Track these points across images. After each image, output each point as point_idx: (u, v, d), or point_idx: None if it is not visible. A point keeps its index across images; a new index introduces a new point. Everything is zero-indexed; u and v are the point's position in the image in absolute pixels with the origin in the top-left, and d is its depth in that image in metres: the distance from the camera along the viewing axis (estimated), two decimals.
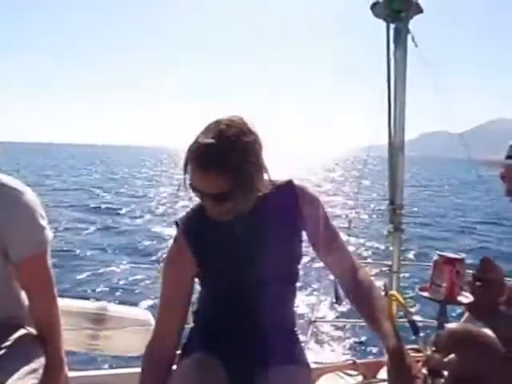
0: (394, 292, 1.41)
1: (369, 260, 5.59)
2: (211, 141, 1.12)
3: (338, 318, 4.80)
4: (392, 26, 2.39)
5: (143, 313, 2.45)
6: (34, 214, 1.42)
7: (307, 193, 1.36)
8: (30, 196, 1.42)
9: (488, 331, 1.50)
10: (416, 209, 18.15)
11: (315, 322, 2.49)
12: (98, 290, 6.71)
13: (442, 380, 1.18)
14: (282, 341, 1.41)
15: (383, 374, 1.84)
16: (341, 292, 1.76)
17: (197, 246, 1.33)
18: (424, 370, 1.16)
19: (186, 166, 1.17)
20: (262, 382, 1.30)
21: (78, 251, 9.29)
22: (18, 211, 1.38)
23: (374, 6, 2.39)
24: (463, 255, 1.14)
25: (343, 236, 1.55)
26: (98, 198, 20.16)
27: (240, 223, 1.27)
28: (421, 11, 2.41)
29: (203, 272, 1.35)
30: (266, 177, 1.23)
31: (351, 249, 1.57)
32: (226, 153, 1.12)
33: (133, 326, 2.30)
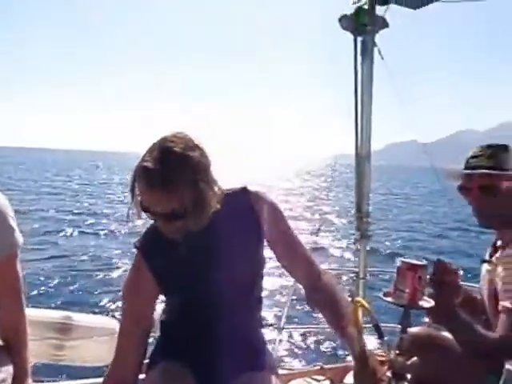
0: (359, 298, 1.45)
1: (335, 266, 5.69)
2: (157, 159, 1.09)
3: (307, 323, 4.84)
4: (359, 38, 2.48)
5: (109, 321, 2.41)
6: (5, 217, 1.39)
7: (262, 199, 1.34)
8: (0, 199, 1.40)
9: (447, 334, 1.57)
10: (384, 217, 18.61)
11: (283, 328, 2.51)
12: (62, 299, 6.53)
13: (406, 383, 1.23)
14: (247, 349, 1.42)
15: (350, 378, 1.88)
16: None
17: (155, 265, 1.32)
18: (388, 373, 1.20)
19: (133, 185, 1.15)
20: None
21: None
22: None
23: (341, 19, 2.47)
24: (425, 262, 1.19)
25: (311, 244, 1.59)
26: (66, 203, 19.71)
27: (195, 239, 1.25)
28: (386, 26, 2.50)
29: (163, 289, 1.35)
30: (217, 190, 1.22)
31: (319, 256, 1.61)
32: (171, 171, 1.10)
33: (99, 335, 2.26)
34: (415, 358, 1.37)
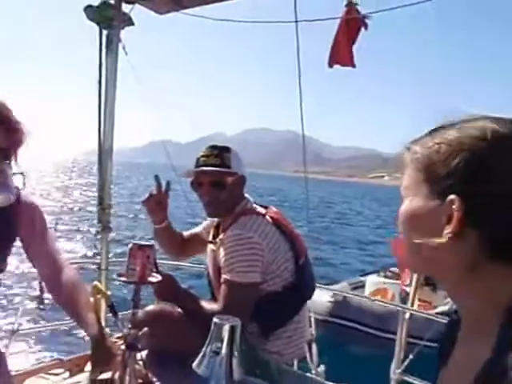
0: (95, 282, 1.53)
1: (78, 259, 5.56)
2: None
3: (44, 321, 4.53)
4: (104, 32, 2.50)
5: None
6: None
7: (25, 196, 1.48)
8: None
9: (177, 309, 1.80)
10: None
11: (18, 331, 2.33)
12: None
13: (139, 352, 1.36)
14: None
15: (89, 366, 1.91)
16: (45, 295, 1.76)
17: None
18: (123, 347, 1.31)
19: None
20: None
21: None
22: None
23: (87, 9, 2.43)
24: (152, 242, 1.35)
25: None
26: None
27: None
28: (132, 24, 2.60)
29: None
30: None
31: (62, 250, 1.63)
32: None
33: None
34: (146, 329, 1.53)
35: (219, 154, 1.90)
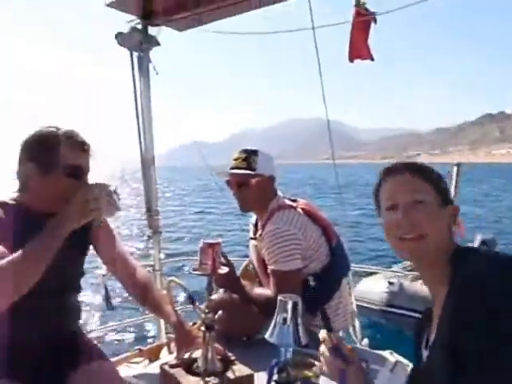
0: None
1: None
2: None
3: (107, 322, 4.86)
4: (135, 54, 2.74)
5: None
6: None
7: None
8: None
9: (235, 296, 2.05)
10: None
11: (91, 331, 2.61)
12: None
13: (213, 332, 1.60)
14: (79, 341, 1.59)
15: (165, 353, 2.18)
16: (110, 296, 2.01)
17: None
18: (202, 328, 1.56)
19: None
20: (74, 380, 1.45)
21: None
22: None
23: (117, 36, 2.67)
24: (220, 240, 1.57)
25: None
26: None
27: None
28: (158, 44, 2.83)
29: None
30: None
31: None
32: None
33: None
34: (220, 312, 1.78)
35: (247, 157, 2.12)
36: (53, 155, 1.43)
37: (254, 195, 2.12)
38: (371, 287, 5.97)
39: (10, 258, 1.21)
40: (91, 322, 2.67)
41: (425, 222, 1.02)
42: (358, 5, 2.26)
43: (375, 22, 2.32)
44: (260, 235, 2.13)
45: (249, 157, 2.12)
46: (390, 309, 5.77)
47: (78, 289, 1.68)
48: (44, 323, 1.47)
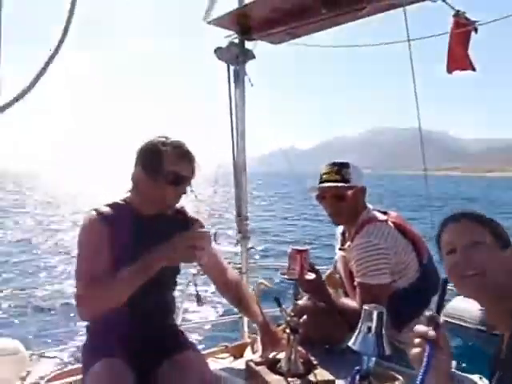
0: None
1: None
2: None
3: (199, 318, 5.09)
4: (232, 67, 2.90)
5: (11, 342, 2.42)
6: None
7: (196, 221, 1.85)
8: None
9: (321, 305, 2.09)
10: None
11: (181, 325, 2.80)
12: None
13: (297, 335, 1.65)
14: (174, 333, 1.74)
15: (248, 352, 2.28)
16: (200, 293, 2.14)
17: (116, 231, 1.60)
18: (287, 330, 1.63)
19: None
20: (169, 367, 1.60)
21: None
22: None
23: (217, 51, 2.86)
24: (308, 247, 1.63)
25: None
26: None
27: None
28: (254, 57, 2.97)
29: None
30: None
31: None
32: None
33: (1, 356, 2.28)
34: (305, 317, 1.83)
35: (339, 170, 2.14)
36: (158, 162, 1.60)
37: (349, 208, 2.13)
38: (465, 305, 5.69)
39: (118, 276, 1.50)
40: (182, 317, 2.85)
41: (482, 259, 1.07)
42: (456, 15, 2.20)
43: (476, 31, 2.24)
44: (349, 246, 2.14)
45: (341, 169, 2.13)
46: (483, 328, 5.49)
47: (175, 285, 1.84)
48: (147, 316, 1.64)
